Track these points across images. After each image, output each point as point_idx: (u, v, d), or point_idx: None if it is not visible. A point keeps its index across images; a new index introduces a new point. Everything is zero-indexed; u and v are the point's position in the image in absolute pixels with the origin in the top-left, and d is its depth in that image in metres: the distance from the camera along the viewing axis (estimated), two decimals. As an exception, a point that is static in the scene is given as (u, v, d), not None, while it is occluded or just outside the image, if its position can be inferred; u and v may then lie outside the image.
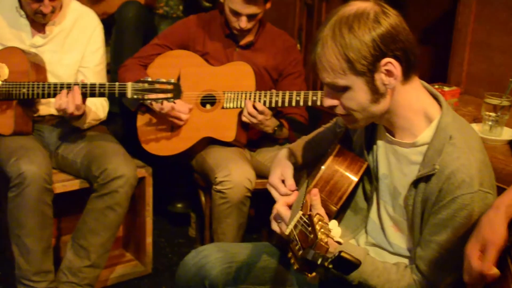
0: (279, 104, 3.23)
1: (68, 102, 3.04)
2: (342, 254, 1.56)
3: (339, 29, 1.87)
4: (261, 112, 3.22)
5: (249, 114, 3.23)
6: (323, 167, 2.16)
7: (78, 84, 3.06)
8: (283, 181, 2.31)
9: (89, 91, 3.05)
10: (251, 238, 3.87)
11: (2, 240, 3.59)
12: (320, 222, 1.71)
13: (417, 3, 3.78)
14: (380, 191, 2.13)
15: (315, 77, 4.41)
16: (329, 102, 2.00)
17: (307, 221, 1.76)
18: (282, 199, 2.15)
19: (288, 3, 4.57)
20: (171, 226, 4.20)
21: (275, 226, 2.13)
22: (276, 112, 3.44)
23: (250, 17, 3.36)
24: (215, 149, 3.43)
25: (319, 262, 1.59)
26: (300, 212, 1.84)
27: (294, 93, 3.22)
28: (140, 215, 3.63)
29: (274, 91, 3.26)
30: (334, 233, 1.74)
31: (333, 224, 1.79)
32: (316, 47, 1.92)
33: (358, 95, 1.92)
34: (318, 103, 3.18)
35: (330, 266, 1.58)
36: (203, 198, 3.63)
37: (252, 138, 3.53)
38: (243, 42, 3.52)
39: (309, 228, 1.71)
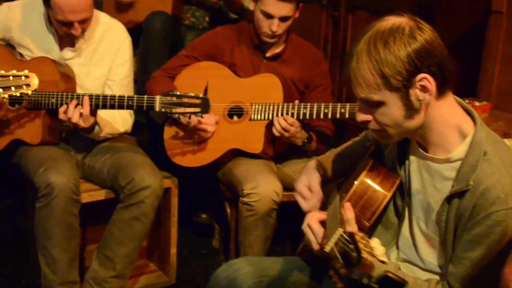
0: (307, 116, 3.22)
1: (73, 111, 3.04)
2: (389, 274, 1.56)
3: (374, 44, 1.86)
4: (291, 124, 3.21)
5: (283, 128, 3.22)
6: (356, 182, 2.14)
7: (91, 95, 3.07)
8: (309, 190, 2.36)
9: (117, 103, 3.05)
10: (275, 250, 3.85)
11: (27, 248, 3.60)
12: (363, 241, 1.70)
13: (447, 17, 3.77)
14: (412, 206, 2.12)
15: (340, 89, 4.41)
16: (362, 117, 1.99)
17: (348, 238, 1.75)
18: (315, 216, 2.14)
19: (314, 14, 4.56)
20: (194, 236, 4.19)
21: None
22: (303, 124, 3.44)
23: (282, 20, 3.34)
24: (242, 161, 3.43)
25: (364, 281, 1.58)
26: (341, 230, 1.84)
27: (322, 105, 3.20)
28: (165, 226, 3.62)
29: (302, 103, 3.25)
30: (377, 251, 1.73)
31: (375, 242, 1.78)
32: (351, 62, 1.91)
33: (393, 110, 1.90)
34: (347, 115, 3.17)
35: (376, 286, 1.57)
36: (228, 210, 3.62)
37: (279, 150, 3.51)
38: (270, 53, 3.51)
39: (351, 246, 1.71)
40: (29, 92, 3.00)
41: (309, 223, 2.12)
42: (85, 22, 3.20)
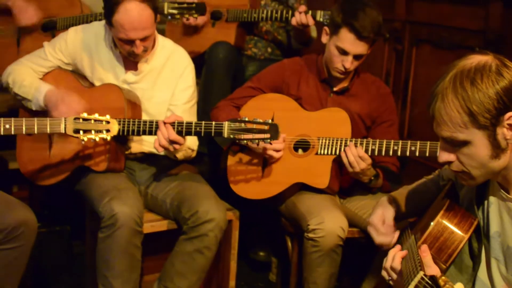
0: (376, 153, 3.16)
1: (169, 144, 3.03)
2: None
3: (461, 82, 1.85)
4: (362, 157, 3.14)
5: (355, 158, 3.15)
6: (432, 223, 2.12)
7: (171, 123, 3.04)
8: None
9: (184, 129, 3.03)
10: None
11: (83, 275, 3.59)
12: (447, 285, 1.67)
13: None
14: (491, 249, 2.07)
15: (402, 124, 4.35)
16: (445, 157, 1.96)
17: (429, 281, 1.72)
18: (398, 255, 2.10)
19: (376, 47, 4.51)
20: (251, 269, 4.15)
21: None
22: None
23: (356, 57, 3.31)
24: (307, 195, 3.37)
25: None
26: (422, 272, 1.82)
27: (392, 142, 3.14)
28: (224, 258, 3.58)
29: (370, 139, 3.19)
30: None
31: (459, 286, 1.73)
32: (435, 101, 1.90)
33: (479, 150, 1.88)
34: (417, 154, 3.09)
35: None
36: (289, 244, 3.56)
37: (344, 186, 3.46)
38: (338, 87, 3.48)
39: None
40: (108, 138, 3.00)
41: (392, 265, 2.08)
42: (146, 40, 3.20)
